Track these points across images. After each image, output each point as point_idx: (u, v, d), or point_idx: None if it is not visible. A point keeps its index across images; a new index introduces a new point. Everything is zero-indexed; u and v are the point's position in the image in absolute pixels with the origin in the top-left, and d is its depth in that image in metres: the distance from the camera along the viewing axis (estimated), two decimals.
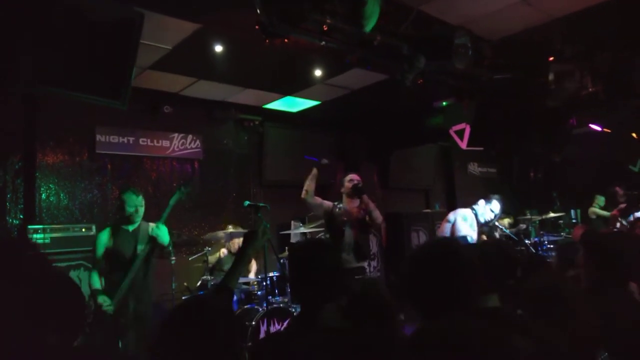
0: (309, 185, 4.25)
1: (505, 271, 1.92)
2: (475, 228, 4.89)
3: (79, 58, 2.86)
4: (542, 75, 5.24)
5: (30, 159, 5.09)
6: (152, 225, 3.88)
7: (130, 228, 3.89)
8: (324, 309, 1.67)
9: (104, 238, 3.82)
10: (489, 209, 4.96)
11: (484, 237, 5.22)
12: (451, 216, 4.99)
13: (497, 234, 5.40)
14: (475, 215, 4.94)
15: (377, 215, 4.32)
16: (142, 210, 3.93)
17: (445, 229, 4.91)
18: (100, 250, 3.78)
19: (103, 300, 3.57)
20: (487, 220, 4.95)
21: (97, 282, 3.74)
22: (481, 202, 5.03)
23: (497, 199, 5.08)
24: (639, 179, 7.91)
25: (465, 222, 4.80)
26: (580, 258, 2.26)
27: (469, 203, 5.22)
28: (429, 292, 1.54)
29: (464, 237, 4.59)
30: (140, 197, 3.94)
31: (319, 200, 4.38)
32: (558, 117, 6.30)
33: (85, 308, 1.78)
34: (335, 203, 4.41)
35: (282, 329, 4.29)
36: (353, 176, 4.43)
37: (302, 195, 4.28)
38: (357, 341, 1.61)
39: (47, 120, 5.12)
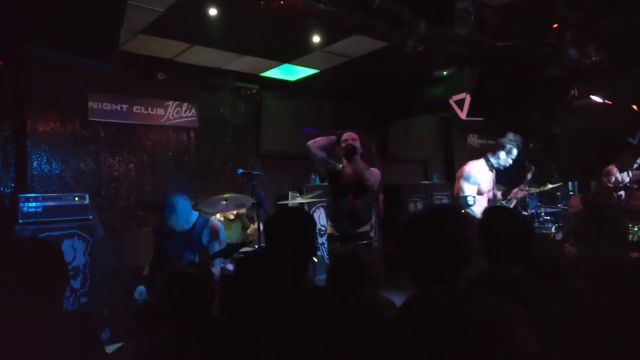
0: (322, 138, 4.12)
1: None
2: (481, 180, 4.56)
3: (63, 17, 2.73)
4: (546, 43, 5.11)
5: (20, 126, 4.98)
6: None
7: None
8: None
9: None
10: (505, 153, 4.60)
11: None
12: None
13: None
14: (491, 166, 4.64)
15: (367, 177, 3.95)
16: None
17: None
18: None
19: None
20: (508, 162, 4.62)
21: None
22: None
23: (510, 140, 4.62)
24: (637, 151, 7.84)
25: (468, 182, 4.54)
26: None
27: None
28: (419, 260, 1.52)
29: (465, 198, 4.46)
30: None
31: (323, 154, 4.11)
32: (559, 87, 6.19)
33: (67, 271, 1.74)
34: (337, 163, 4.17)
35: None
36: (347, 135, 4.07)
37: (309, 142, 4.09)
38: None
39: (38, 87, 4.98)
